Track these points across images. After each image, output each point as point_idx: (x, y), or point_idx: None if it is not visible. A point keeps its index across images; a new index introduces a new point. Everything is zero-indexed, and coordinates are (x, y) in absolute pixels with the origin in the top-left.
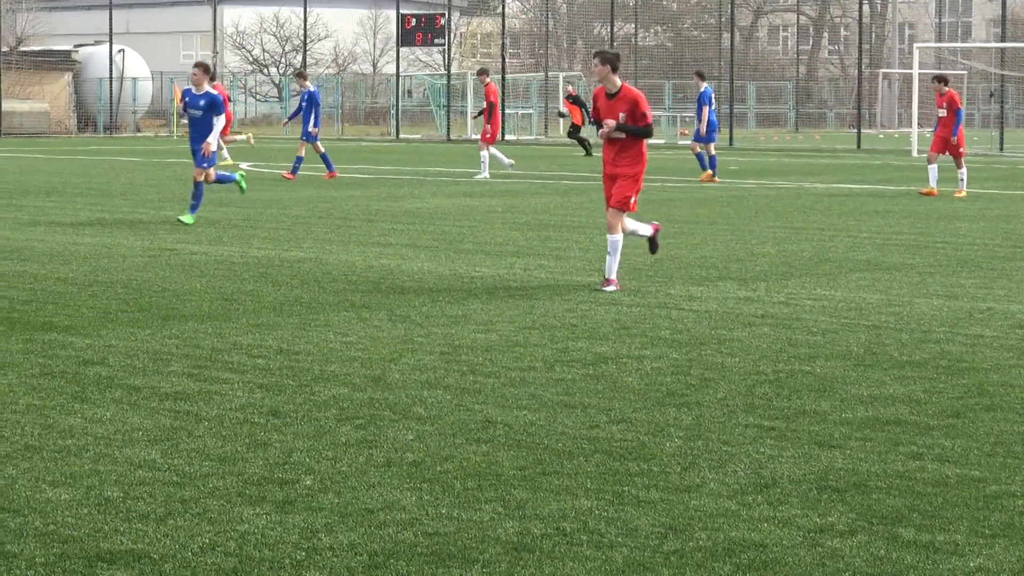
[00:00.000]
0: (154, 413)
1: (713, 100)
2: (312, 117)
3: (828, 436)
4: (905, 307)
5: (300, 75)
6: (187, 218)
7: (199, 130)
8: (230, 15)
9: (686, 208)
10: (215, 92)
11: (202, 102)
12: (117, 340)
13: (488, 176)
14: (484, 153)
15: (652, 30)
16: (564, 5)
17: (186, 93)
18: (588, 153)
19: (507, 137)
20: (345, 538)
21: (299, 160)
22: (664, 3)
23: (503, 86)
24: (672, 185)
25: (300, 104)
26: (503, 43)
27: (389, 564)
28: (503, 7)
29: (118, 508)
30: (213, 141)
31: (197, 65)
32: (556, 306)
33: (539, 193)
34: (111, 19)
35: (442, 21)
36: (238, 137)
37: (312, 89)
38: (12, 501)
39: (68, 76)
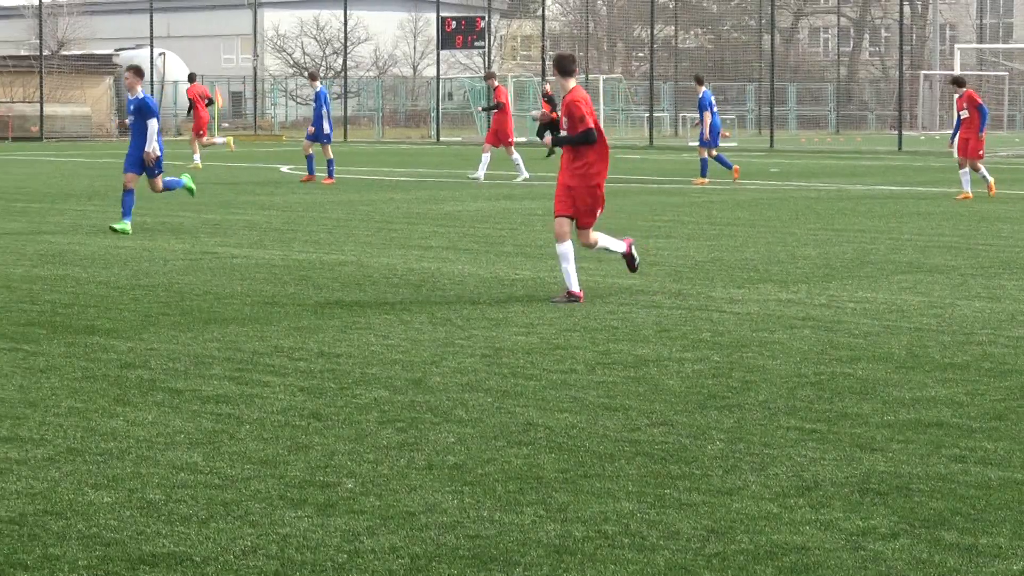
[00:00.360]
0: (196, 416)
1: (714, 103)
2: (321, 118)
3: (870, 439)
4: (947, 309)
5: (311, 76)
6: (121, 225)
7: (137, 136)
8: (270, 18)
9: (727, 210)
10: (144, 96)
11: (132, 107)
12: (159, 343)
13: (528, 176)
14: (516, 156)
15: (692, 32)
16: (604, 7)
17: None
18: (549, 154)
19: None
20: (387, 541)
21: (330, 163)
22: (704, 5)
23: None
24: (713, 188)
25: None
26: (543, 45)
27: (431, 567)
28: (543, 9)
29: (160, 511)
30: (152, 148)
31: (129, 68)
32: (597, 308)
33: None
34: (152, 23)
35: (482, 24)
36: (217, 140)
37: (318, 89)
38: (55, 504)
39: (109, 80)
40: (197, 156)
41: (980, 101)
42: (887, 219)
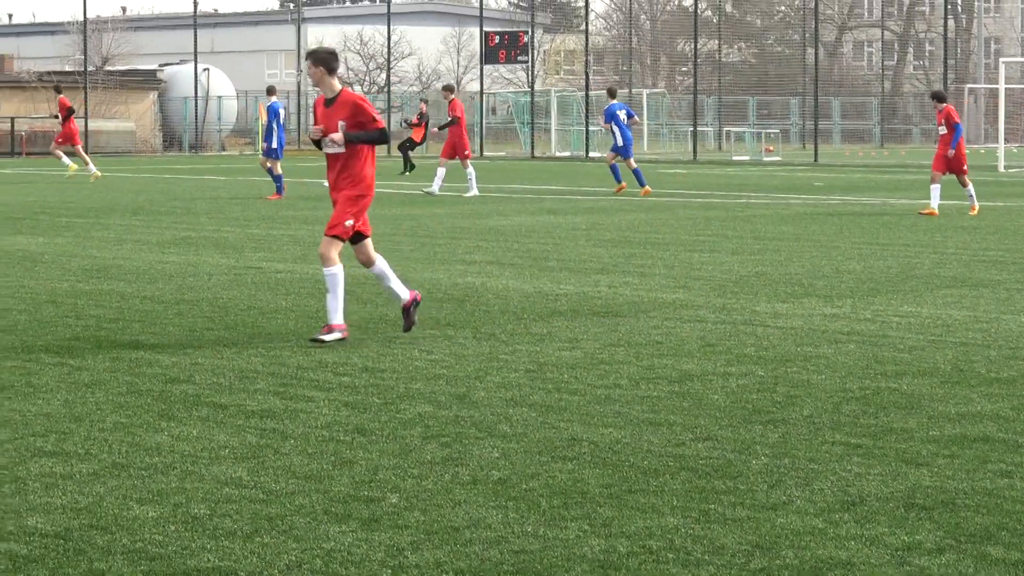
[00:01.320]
0: (240, 431)
1: (620, 116)
2: (272, 132)
3: (915, 454)
4: (992, 324)
5: (269, 91)
6: None
7: None
8: (314, 33)
9: (771, 224)
10: None
11: None
12: (203, 358)
13: (477, 193)
14: (470, 171)
15: (736, 46)
16: (647, 21)
17: None
18: (404, 171)
19: (591, 154)
20: (431, 556)
21: (278, 178)
22: (748, 19)
23: (586, 103)
24: (756, 202)
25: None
26: (586, 60)
27: None
28: (586, 24)
29: (205, 525)
30: None
31: None
32: (641, 323)
33: (623, 210)
34: (196, 38)
35: (525, 38)
36: (90, 167)
37: (271, 103)
38: (100, 519)
39: (153, 95)
40: (66, 159)
41: (958, 120)
42: (932, 233)
